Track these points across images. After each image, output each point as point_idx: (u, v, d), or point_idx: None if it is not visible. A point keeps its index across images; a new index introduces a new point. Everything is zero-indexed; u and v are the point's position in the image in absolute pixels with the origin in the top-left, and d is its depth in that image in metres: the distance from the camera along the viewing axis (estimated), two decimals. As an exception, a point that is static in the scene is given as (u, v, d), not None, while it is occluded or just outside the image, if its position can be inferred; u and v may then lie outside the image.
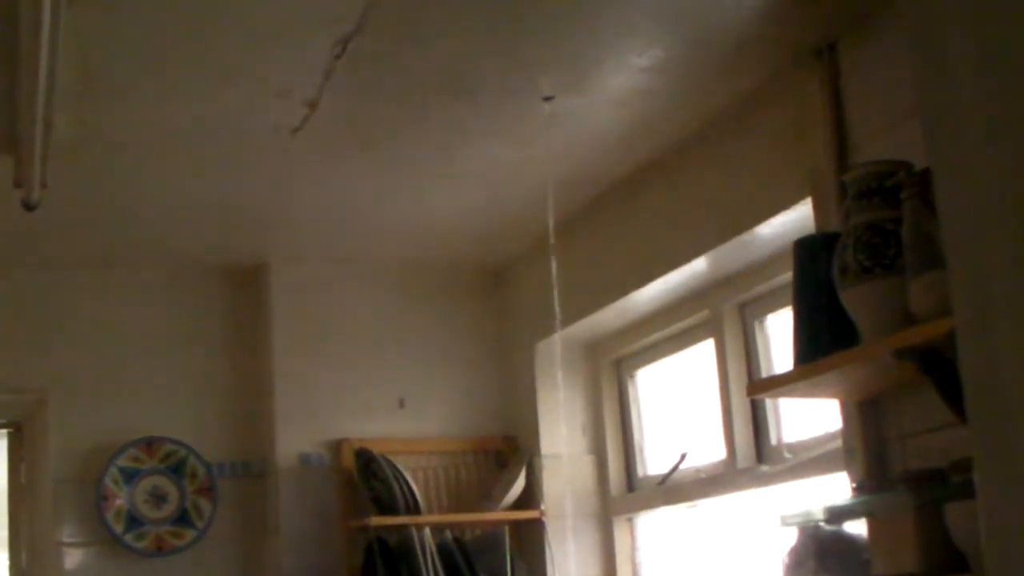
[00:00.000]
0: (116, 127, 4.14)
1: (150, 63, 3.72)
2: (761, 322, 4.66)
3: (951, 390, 2.98)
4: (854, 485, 3.54)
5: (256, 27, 3.54)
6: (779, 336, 4.56)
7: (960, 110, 2.03)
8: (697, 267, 4.59)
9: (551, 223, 4.67)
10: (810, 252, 3.42)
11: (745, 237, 4.26)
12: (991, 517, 1.92)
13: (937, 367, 2.98)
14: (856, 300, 3.11)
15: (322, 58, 3.70)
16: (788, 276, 3.65)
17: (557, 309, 4.77)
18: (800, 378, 3.36)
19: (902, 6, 2.26)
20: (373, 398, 5.64)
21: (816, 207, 3.83)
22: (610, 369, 5.59)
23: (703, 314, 4.87)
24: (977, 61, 1.99)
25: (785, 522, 3.52)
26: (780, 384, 3.56)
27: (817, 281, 3.31)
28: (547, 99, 4.00)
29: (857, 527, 3.36)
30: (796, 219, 4.00)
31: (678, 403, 5.24)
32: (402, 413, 5.66)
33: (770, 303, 4.58)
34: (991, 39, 1.97)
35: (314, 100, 3.95)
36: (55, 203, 4.32)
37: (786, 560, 3.49)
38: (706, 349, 4.89)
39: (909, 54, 2.29)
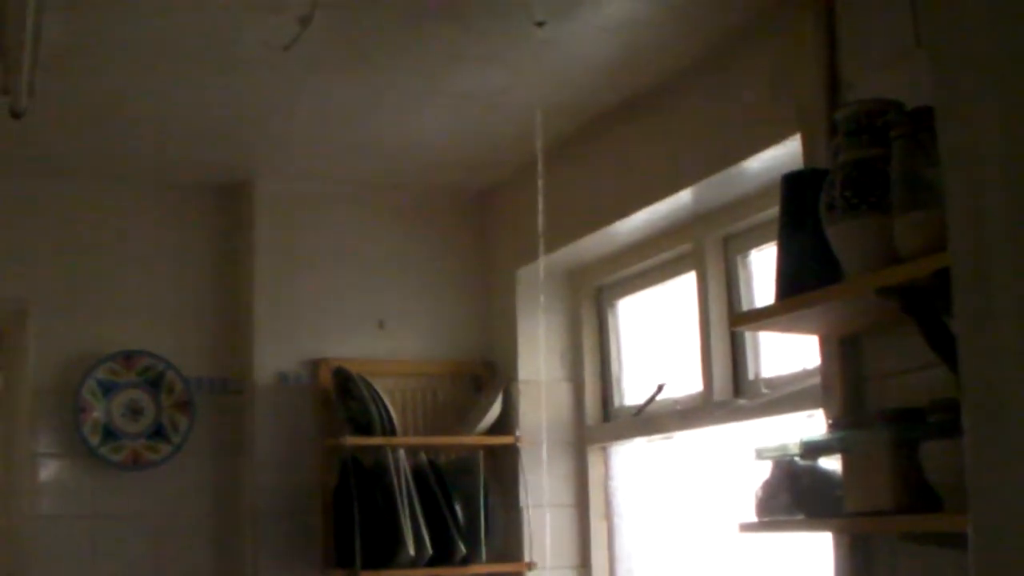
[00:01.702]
0: (105, 37, 4.11)
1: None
2: (744, 257, 4.66)
3: (932, 330, 3.00)
4: (830, 421, 3.56)
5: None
6: (761, 272, 4.57)
7: (966, 47, 2.02)
8: (682, 199, 4.58)
9: (539, 149, 4.65)
10: (797, 187, 3.42)
11: (732, 171, 4.25)
12: (976, 456, 1.93)
13: (919, 307, 2.98)
14: (841, 236, 3.10)
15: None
16: (773, 212, 3.64)
17: (541, 235, 4.77)
18: (782, 312, 3.36)
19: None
20: (353, 318, 5.64)
21: (805, 143, 3.82)
22: (591, 297, 5.60)
23: (686, 246, 4.88)
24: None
25: (760, 455, 3.53)
26: (762, 318, 3.56)
27: (803, 217, 3.30)
28: (539, 24, 3.97)
29: (832, 463, 3.37)
30: (784, 155, 3.99)
31: (657, 334, 5.25)
32: (381, 334, 5.66)
33: (754, 238, 4.58)
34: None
35: (306, 17, 3.91)
36: (41, 112, 4.30)
37: (759, 493, 3.51)
38: (688, 282, 4.89)
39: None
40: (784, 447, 3.41)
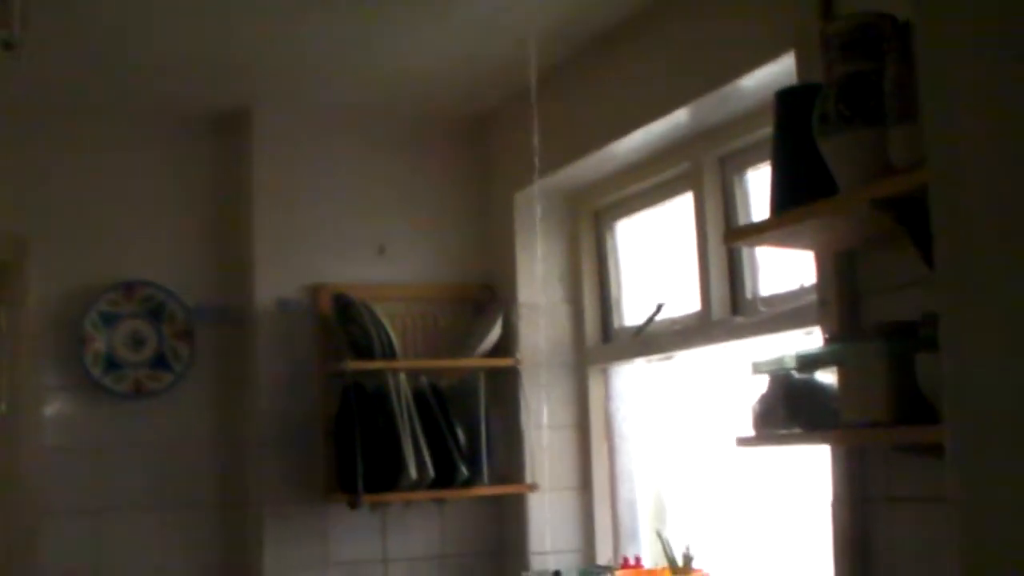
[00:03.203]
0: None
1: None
2: (741, 176, 4.66)
3: (926, 241, 3.00)
4: (826, 336, 3.58)
5: None
6: (758, 190, 4.57)
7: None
8: (678, 118, 4.58)
9: (533, 73, 4.66)
10: (791, 103, 3.42)
11: (727, 89, 4.25)
12: (954, 364, 1.95)
13: (912, 218, 2.99)
14: (835, 149, 3.11)
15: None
16: (770, 131, 3.64)
17: (536, 159, 4.77)
18: (777, 226, 3.37)
19: None
20: (353, 244, 5.65)
21: (800, 60, 3.82)
22: (589, 220, 5.60)
23: (683, 167, 4.88)
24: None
25: (756, 369, 3.55)
26: (757, 232, 3.57)
27: (797, 132, 3.30)
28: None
29: (828, 376, 3.40)
30: (779, 72, 3.98)
31: (656, 255, 5.26)
32: (381, 260, 5.67)
33: (751, 157, 4.58)
34: None
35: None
36: (36, 45, 4.28)
37: (756, 407, 3.53)
38: (685, 202, 4.90)
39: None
40: (780, 360, 3.43)
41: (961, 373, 1.92)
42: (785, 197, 3.35)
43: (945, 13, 2.01)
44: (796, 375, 3.42)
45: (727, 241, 3.99)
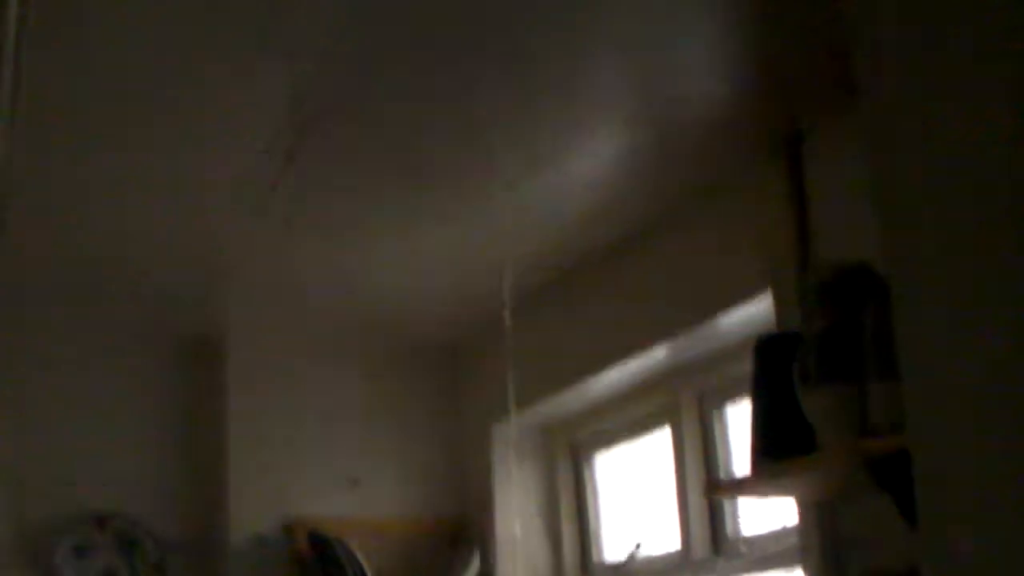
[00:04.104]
0: (76, 201, 4.12)
1: (110, 133, 3.71)
2: (719, 411, 4.63)
3: (906, 500, 2.97)
4: (809, 584, 3.54)
5: (213, 102, 3.54)
6: (737, 425, 4.55)
7: (917, 219, 2.03)
8: (656, 354, 4.58)
9: (507, 308, 4.66)
10: (770, 352, 3.41)
11: (705, 327, 4.26)
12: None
13: (892, 478, 2.96)
14: (816, 406, 3.09)
15: (284, 136, 3.68)
16: (747, 366, 3.64)
17: (511, 395, 4.75)
18: (757, 482, 3.35)
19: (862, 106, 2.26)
20: (328, 476, 5.57)
21: (777, 300, 3.83)
22: (566, 452, 5.56)
23: (661, 401, 4.86)
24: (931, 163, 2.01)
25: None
26: (737, 487, 3.55)
27: (776, 382, 3.29)
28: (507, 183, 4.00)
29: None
30: (757, 311, 3.99)
31: (635, 488, 5.22)
32: (356, 491, 5.61)
33: (729, 392, 4.55)
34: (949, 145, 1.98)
35: (274, 178, 3.93)
36: (11, 268, 4.31)
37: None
38: (664, 436, 4.88)
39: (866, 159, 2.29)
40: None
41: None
42: (765, 449, 3.33)
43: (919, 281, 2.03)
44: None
45: (707, 495, 3.98)
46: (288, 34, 3.19)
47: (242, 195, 4.12)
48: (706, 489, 4.18)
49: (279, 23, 3.14)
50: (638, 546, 5.02)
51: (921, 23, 2.13)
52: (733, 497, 4.04)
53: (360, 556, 5.26)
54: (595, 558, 5.41)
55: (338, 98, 3.48)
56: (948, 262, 1.98)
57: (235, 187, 4.07)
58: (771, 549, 4.19)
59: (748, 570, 4.31)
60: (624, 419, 5.16)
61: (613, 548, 5.30)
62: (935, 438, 2.00)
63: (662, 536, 4.88)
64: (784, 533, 4.10)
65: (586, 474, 5.49)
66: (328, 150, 3.80)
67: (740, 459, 4.47)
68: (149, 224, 4.50)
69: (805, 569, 3.62)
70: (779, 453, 3.25)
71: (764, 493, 3.57)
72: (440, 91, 3.50)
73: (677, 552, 4.72)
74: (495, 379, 5.20)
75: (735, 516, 4.50)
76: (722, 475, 4.52)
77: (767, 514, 4.29)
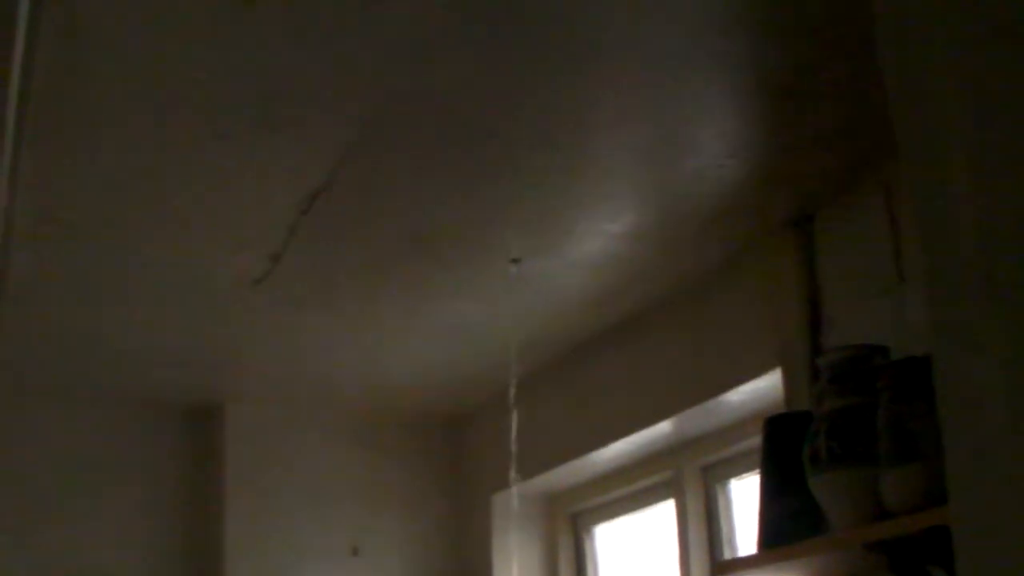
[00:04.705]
0: (74, 270, 4.07)
1: (110, 207, 3.64)
2: (724, 485, 4.58)
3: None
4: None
5: (221, 177, 3.48)
6: (742, 500, 4.49)
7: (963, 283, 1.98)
8: (661, 429, 4.53)
9: (512, 387, 4.59)
10: (780, 432, 3.36)
11: (711, 403, 4.20)
12: None
13: (906, 563, 2.90)
14: (826, 488, 3.03)
15: (288, 213, 3.64)
16: (753, 442, 3.59)
17: (512, 471, 4.68)
18: (766, 562, 3.28)
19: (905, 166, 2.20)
20: (326, 546, 5.50)
21: (786, 379, 3.78)
22: (567, 523, 5.49)
23: (665, 474, 4.80)
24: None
25: None
26: (745, 567, 3.48)
27: (786, 463, 3.24)
28: (514, 261, 3.95)
29: None
30: (765, 388, 3.94)
31: (636, 563, 5.15)
32: (356, 562, 5.54)
33: (734, 467, 4.50)
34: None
35: (277, 253, 3.88)
36: (7, 339, 4.24)
37: None
38: (667, 509, 4.81)
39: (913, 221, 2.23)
40: None
41: None
42: (774, 532, 3.27)
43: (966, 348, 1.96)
44: None
45: (714, 574, 3.90)
46: (296, 118, 3.16)
47: (247, 273, 4.07)
48: (711, 569, 4.11)
49: (287, 106, 3.11)
50: (637, 623, 4.96)
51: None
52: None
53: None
54: (596, 632, 5.34)
55: (346, 176, 3.43)
56: (1000, 331, 1.92)
57: (240, 265, 4.03)
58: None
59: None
60: (627, 491, 5.10)
61: (613, 623, 5.23)
62: (979, 515, 1.93)
63: (666, 610, 4.81)
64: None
65: (587, 546, 5.42)
66: (336, 224, 3.75)
67: (744, 535, 4.41)
68: (147, 312, 4.48)
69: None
70: (787, 534, 3.18)
71: (771, 573, 3.50)
72: (449, 171, 3.46)
73: (679, 629, 4.64)
74: (496, 450, 5.13)
75: (740, 594, 4.42)
76: (726, 551, 4.46)
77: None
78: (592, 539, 5.42)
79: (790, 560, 3.19)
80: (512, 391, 4.55)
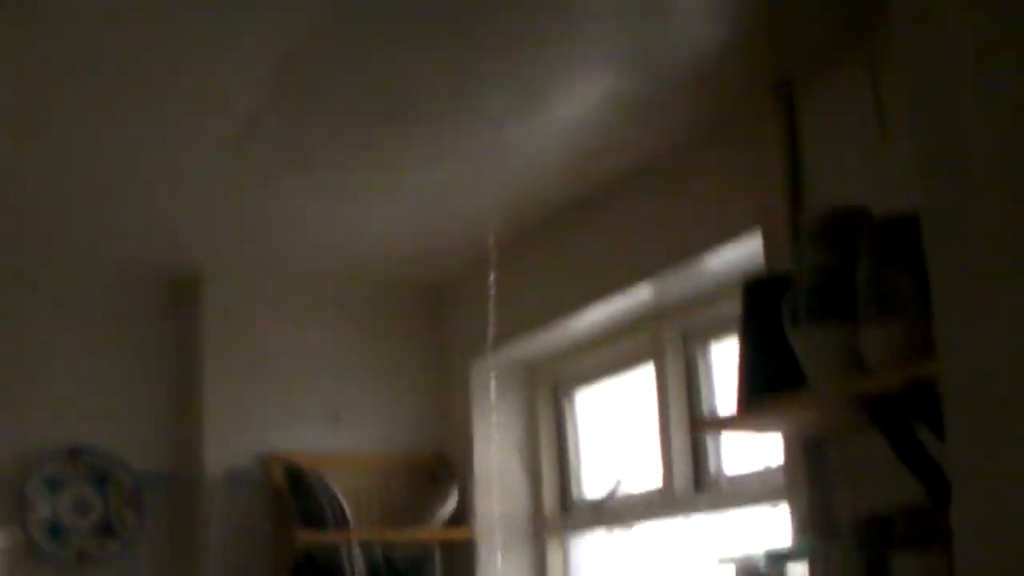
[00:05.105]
0: (51, 139, 4.04)
1: (85, 76, 3.62)
2: (703, 350, 4.60)
3: (900, 440, 2.94)
4: (795, 524, 3.50)
5: (197, 42, 3.45)
6: (721, 364, 4.52)
7: (957, 152, 1.98)
8: (641, 293, 4.54)
9: (493, 250, 4.60)
10: (760, 292, 3.37)
11: (691, 266, 4.21)
12: (967, 564, 1.89)
13: (887, 417, 2.93)
14: (806, 344, 3.05)
15: (264, 74, 3.61)
16: (733, 306, 3.59)
17: (491, 334, 4.70)
18: (744, 419, 3.31)
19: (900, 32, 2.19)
20: (305, 412, 5.54)
21: (766, 242, 3.78)
22: (547, 389, 5.52)
23: (644, 340, 4.82)
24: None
25: (724, 563, 3.47)
26: (724, 424, 3.51)
27: (765, 322, 3.25)
28: (493, 122, 3.92)
29: (799, 570, 3.31)
30: (744, 252, 3.95)
31: (616, 425, 5.18)
32: (334, 428, 5.56)
33: (713, 331, 4.52)
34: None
35: (254, 116, 3.85)
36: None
37: (724, 601, 3.44)
38: (647, 373, 4.83)
39: (906, 82, 2.23)
40: (749, 557, 3.35)
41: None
42: (752, 387, 3.29)
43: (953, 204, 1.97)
44: (765, 570, 3.33)
45: (693, 432, 3.95)
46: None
47: (224, 138, 4.05)
48: (691, 425, 4.14)
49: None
50: (618, 483, 5.00)
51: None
52: (718, 433, 4.00)
53: (336, 490, 5.23)
54: (575, 495, 5.39)
55: (322, 39, 3.40)
56: (987, 192, 1.92)
57: (217, 130, 4.00)
58: (753, 488, 4.16)
59: (732, 506, 4.29)
60: (607, 357, 5.12)
61: (593, 485, 5.27)
62: (968, 367, 1.95)
63: (643, 474, 4.85)
64: (767, 473, 4.07)
65: (567, 411, 5.45)
66: (312, 85, 3.72)
67: (724, 398, 4.44)
68: (126, 177, 4.46)
69: (791, 508, 3.58)
70: (767, 390, 3.20)
71: (750, 429, 3.53)
72: (426, 31, 3.42)
73: (658, 490, 4.69)
74: (476, 316, 5.16)
75: (718, 455, 4.47)
76: (705, 413, 4.48)
77: (749, 454, 4.27)
78: (572, 404, 5.45)
79: (769, 417, 3.22)
80: (492, 243, 4.55)
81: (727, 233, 3.97)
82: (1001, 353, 1.91)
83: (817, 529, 3.34)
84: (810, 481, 3.49)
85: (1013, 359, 1.88)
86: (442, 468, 5.62)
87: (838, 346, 2.97)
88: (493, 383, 5.22)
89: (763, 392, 3.22)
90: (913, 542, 2.84)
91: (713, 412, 4.46)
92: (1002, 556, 1.91)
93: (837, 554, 3.08)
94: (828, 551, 3.14)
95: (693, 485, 4.55)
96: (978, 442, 1.94)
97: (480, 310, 5.03)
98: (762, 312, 3.29)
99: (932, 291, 2.06)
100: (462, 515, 5.46)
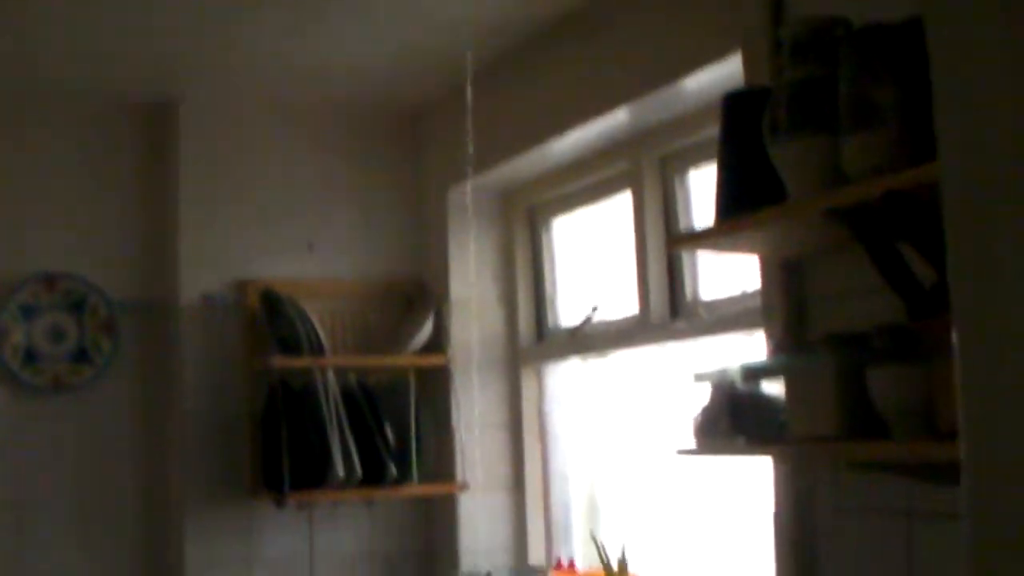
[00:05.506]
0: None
1: None
2: (682, 176, 4.58)
3: (880, 253, 2.93)
4: (772, 344, 3.50)
5: None
6: (699, 191, 4.49)
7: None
8: (619, 117, 4.49)
9: (469, 67, 4.55)
10: (739, 107, 3.32)
11: (669, 89, 4.16)
12: (970, 377, 1.87)
13: (867, 230, 2.91)
14: (786, 157, 3.00)
15: None
16: (712, 131, 3.55)
17: (470, 156, 4.67)
18: (722, 233, 3.27)
19: None
20: (281, 240, 5.53)
21: (746, 63, 3.73)
22: (524, 216, 5.51)
23: (622, 166, 4.79)
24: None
25: (699, 379, 3.47)
26: (700, 240, 3.48)
27: (744, 137, 3.21)
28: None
29: (774, 387, 3.31)
30: (724, 74, 3.89)
31: (593, 254, 5.17)
32: (310, 256, 5.55)
33: (692, 157, 4.49)
34: None
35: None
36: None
37: (699, 418, 3.44)
38: (624, 200, 4.81)
39: None
40: (724, 372, 3.34)
41: (978, 383, 1.85)
42: (731, 203, 3.25)
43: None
44: (740, 386, 3.33)
45: (669, 248, 3.92)
46: None
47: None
48: (668, 243, 4.11)
49: None
50: (594, 309, 5.00)
51: None
52: (693, 250, 3.96)
53: (312, 315, 5.23)
54: (550, 322, 5.40)
55: None
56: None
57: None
58: (730, 312, 4.16)
59: (708, 332, 4.29)
60: (584, 183, 5.10)
61: (569, 312, 5.28)
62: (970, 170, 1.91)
63: (620, 300, 4.85)
64: (744, 297, 4.07)
65: (543, 238, 5.44)
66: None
67: (702, 223, 4.41)
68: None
69: (768, 331, 3.58)
70: (745, 206, 3.17)
71: (727, 248, 3.51)
72: None
73: (635, 316, 4.69)
74: (453, 143, 5.13)
75: (694, 280, 4.47)
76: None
77: (726, 279, 4.26)
78: (549, 232, 5.44)
79: (747, 233, 3.19)
80: (468, 79, 4.50)
81: (706, 54, 3.91)
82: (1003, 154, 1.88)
83: (793, 348, 3.34)
84: (786, 299, 3.48)
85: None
86: (418, 295, 5.63)
87: (819, 157, 2.92)
88: (470, 206, 5.19)
89: (742, 207, 3.19)
90: (890, 357, 2.83)
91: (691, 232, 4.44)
92: (1011, 373, 1.88)
93: (813, 368, 3.07)
94: (804, 366, 3.13)
95: (669, 311, 4.55)
96: (979, 251, 1.91)
97: (457, 136, 5.00)
98: (742, 127, 3.25)
99: (934, 89, 2.02)
100: (437, 342, 5.47)
